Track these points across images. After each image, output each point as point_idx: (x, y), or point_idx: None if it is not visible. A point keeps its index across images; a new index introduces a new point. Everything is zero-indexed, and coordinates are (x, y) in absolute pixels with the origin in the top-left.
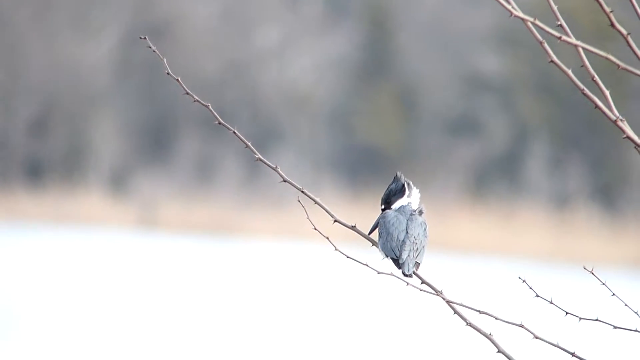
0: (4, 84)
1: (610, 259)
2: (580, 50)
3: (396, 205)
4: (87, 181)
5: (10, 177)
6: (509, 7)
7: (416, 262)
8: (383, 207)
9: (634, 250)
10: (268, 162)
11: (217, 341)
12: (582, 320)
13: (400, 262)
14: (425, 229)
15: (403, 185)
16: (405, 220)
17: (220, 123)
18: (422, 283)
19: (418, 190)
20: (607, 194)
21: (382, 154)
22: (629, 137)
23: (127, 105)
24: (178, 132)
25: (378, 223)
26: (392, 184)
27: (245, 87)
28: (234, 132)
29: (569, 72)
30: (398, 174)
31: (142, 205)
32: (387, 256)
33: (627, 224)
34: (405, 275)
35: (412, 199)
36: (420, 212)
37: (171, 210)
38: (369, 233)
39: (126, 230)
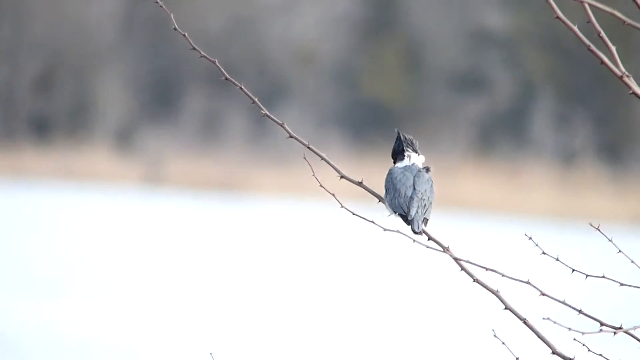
0: (9, 41)
1: (616, 216)
2: (586, 6)
3: (400, 164)
4: (93, 137)
5: (16, 134)
6: None
7: (424, 218)
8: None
9: None
10: (274, 118)
11: (222, 297)
12: (588, 277)
13: (409, 218)
14: (432, 185)
15: (403, 149)
16: (412, 177)
17: (227, 79)
18: (429, 240)
19: (420, 155)
20: (613, 151)
21: (387, 110)
22: (634, 93)
23: (133, 61)
24: (184, 88)
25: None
26: (395, 142)
27: (251, 43)
28: (241, 88)
29: (575, 28)
30: (397, 132)
31: (148, 161)
32: (394, 212)
33: (633, 180)
34: (415, 233)
35: (413, 161)
36: (427, 170)
37: (177, 167)
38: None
39: (132, 187)
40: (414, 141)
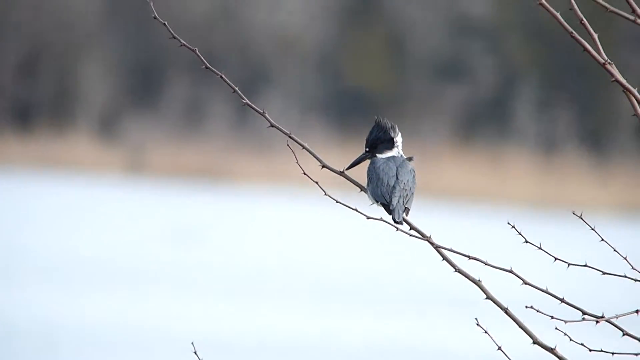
0: None
1: (599, 204)
2: None
3: (383, 155)
4: (76, 125)
5: None
6: None
7: (405, 207)
8: (367, 149)
9: (622, 195)
10: (255, 107)
11: (207, 282)
12: (570, 265)
13: (391, 207)
14: (414, 176)
15: (392, 138)
16: (395, 167)
17: (207, 67)
18: (410, 229)
19: (400, 135)
20: (595, 138)
21: (370, 98)
22: (617, 81)
23: (116, 48)
24: (167, 76)
25: (357, 162)
26: (377, 130)
27: (234, 30)
28: (221, 77)
29: (558, 15)
30: (381, 120)
31: (131, 149)
32: (376, 202)
33: (616, 168)
34: (396, 222)
35: (399, 149)
36: (410, 159)
37: (160, 154)
38: (347, 169)
39: (115, 175)
40: (397, 129)
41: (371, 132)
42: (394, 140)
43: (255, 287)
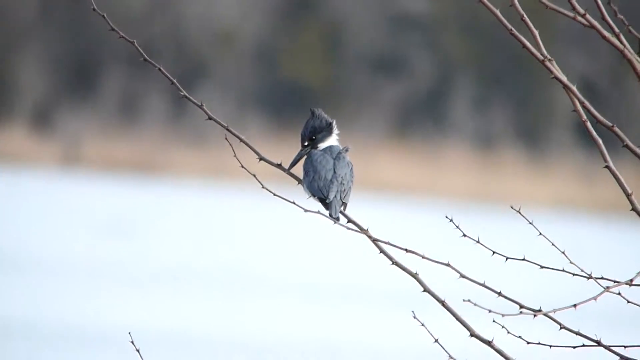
0: None
1: (535, 199)
2: None
3: (323, 144)
4: (11, 117)
5: None
6: None
7: (343, 202)
8: (306, 143)
9: (559, 190)
10: (193, 99)
11: (145, 276)
12: (508, 259)
13: (328, 202)
14: (351, 169)
15: (330, 123)
16: (332, 160)
17: (145, 60)
18: (348, 222)
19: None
20: (532, 134)
21: (307, 91)
22: (556, 78)
23: (53, 40)
24: (103, 68)
25: (297, 159)
26: (313, 120)
27: (171, 23)
28: (160, 69)
29: (497, 12)
30: (316, 110)
31: (67, 142)
32: (313, 195)
33: (552, 164)
34: (332, 217)
35: (335, 142)
36: (346, 150)
37: (96, 147)
38: (289, 168)
39: (50, 167)
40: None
41: (306, 125)
42: (332, 125)
43: (189, 280)
